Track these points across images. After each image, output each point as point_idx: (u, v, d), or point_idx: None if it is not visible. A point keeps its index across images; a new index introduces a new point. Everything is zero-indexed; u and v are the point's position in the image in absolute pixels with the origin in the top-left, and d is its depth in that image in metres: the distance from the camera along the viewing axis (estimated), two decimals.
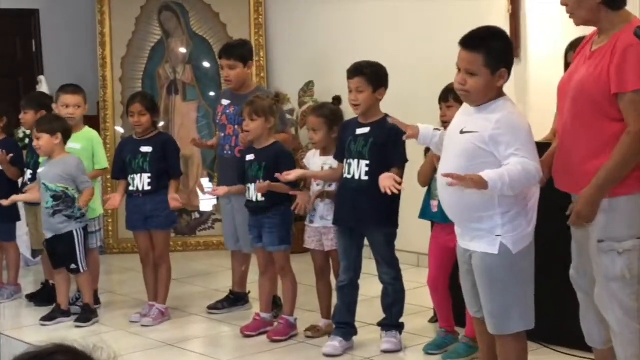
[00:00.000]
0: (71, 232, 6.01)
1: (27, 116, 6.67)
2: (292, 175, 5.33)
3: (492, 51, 3.89)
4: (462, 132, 3.96)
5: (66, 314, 6.19)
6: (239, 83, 6.08)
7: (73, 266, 6.07)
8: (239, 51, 6.10)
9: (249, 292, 6.35)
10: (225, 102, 6.15)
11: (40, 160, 6.39)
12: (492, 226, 3.94)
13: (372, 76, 5.14)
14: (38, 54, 8.88)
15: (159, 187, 6.09)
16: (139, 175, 6.08)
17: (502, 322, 4.05)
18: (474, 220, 3.98)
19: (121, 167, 6.19)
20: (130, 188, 6.12)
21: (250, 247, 5.85)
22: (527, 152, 3.85)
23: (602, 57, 3.75)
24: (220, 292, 6.43)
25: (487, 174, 3.76)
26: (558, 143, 3.99)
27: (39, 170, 6.11)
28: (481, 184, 3.75)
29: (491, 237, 3.94)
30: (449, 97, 4.97)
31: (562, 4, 3.87)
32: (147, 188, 6.06)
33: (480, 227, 3.96)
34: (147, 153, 6.08)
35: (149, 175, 6.06)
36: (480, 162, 3.86)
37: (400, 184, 4.94)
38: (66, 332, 5.93)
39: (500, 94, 3.97)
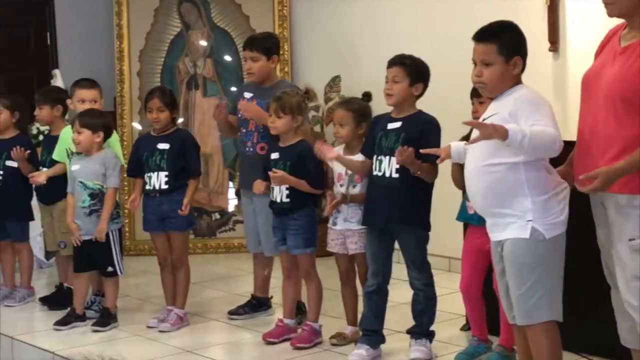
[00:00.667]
0: (107, 234, 5.90)
1: (43, 112, 6.55)
2: (331, 154, 5.22)
3: (504, 40, 4.04)
4: (484, 120, 4.02)
5: (81, 318, 6.08)
6: (261, 77, 5.92)
7: (110, 269, 5.97)
8: (263, 43, 5.94)
9: (272, 297, 6.21)
10: (247, 95, 5.97)
11: (56, 157, 6.23)
12: (522, 211, 3.97)
13: (412, 69, 4.99)
14: (52, 46, 8.80)
15: (176, 186, 5.94)
16: (155, 173, 5.93)
17: (531, 311, 4.02)
18: (503, 205, 4.00)
19: (137, 165, 6.05)
20: (147, 187, 5.98)
21: (274, 250, 5.72)
22: (548, 121, 3.92)
23: (638, 53, 3.78)
24: (242, 296, 6.31)
25: (508, 125, 3.84)
26: (580, 141, 4.02)
27: (73, 168, 5.99)
28: (501, 132, 3.80)
29: (522, 222, 3.98)
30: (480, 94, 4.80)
31: None
32: (164, 187, 5.92)
33: (511, 212, 3.99)
34: (164, 150, 5.93)
35: (166, 173, 5.91)
36: (504, 145, 3.88)
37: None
38: (81, 337, 5.86)
39: (517, 82, 4.08)
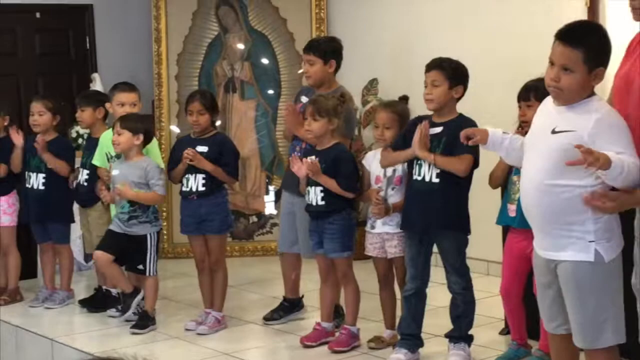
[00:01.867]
0: (145, 235, 5.94)
1: (85, 114, 6.59)
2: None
3: (593, 48, 3.71)
4: (554, 132, 3.76)
5: (153, 320, 6.09)
6: (318, 81, 5.86)
7: (140, 267, 5.97)
8: (322, 47, 5.89)
9: (303, 296, 6.20)
10: (304, 99, 5.92)
11: (96, 162, 6.26)
12: (583, 232, 3.77)
13: (451, 72, 4.94)
14: (92, 50, 8.80)
15: (213, 189, 5.93)
16: (193, 175, 5.92)
17: (595, 335, 3.85)
18: (563, 226, 3.79)
19: (176, 166, 6.02)
20: (184, 189, 5.97)
21: (310, 252, 5.68)
22: (632, 150, 3.69)
23: None
24: (279, 299, 6.28)
25: (611, 155, 3.57)
26: None
27: (113, 173, 6.00)
28: (604, 164, 3.54)
29: (584, 244, 3.77)
30: (530, 96, 4.76)
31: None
32: (201, 189, 5.90)
33: (570, 234, 3.78)
34: (202, 153, 5.91)
35: (204, 175, 5.90)
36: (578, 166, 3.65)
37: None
38: (120, 339, 5.88)
39: (592, 93, 3.78)
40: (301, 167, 5.39)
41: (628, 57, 3.94)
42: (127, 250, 5.99)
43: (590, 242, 3.75)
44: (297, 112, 5.79)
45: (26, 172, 6.66)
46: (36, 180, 6.62)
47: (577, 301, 3.83)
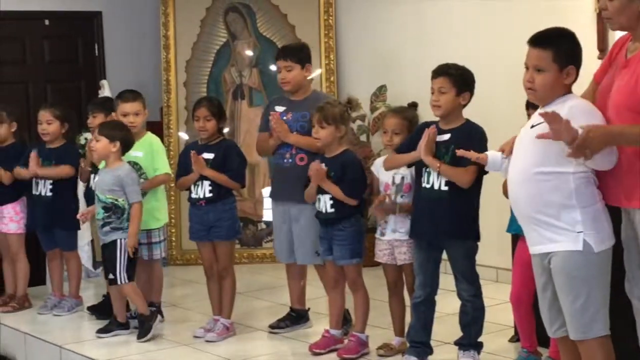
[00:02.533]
0: (115, 241, 5.88)
1: (97, 120, 6.54)
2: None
3: (561, 48, 3.95)
4: (532, 127, 3.98)
5: (124, 326, 6.09)
6: (296, 86, 5.87)
7: (111, 276, 5.93)
8: (296, 53, 5.92)
9: (309, 309, 6.17)
10: (280, 108, 5.93)
11: (101, 166, 6.27)
12: (571, 222, 3.88)
13: (457, 78, 4.92)
14: (100, 57, 8.81)
15: (220, 196, 5.91)
16: (200, 182, 5.91)
17: (588, 326, 3.94)
18: (550, 214, 3.91)
19: (185, 173, 6.01)
20: (193, 195, 5.95)
21: (308, 258, 5.73)
22: None
23: (637, 65, 3.85)
24: (287, 307, 6.25)
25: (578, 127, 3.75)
26: None
27: (96, 179, 6.01)
28: (573, 133, 3.70)
29: (573, 234, 3.89)
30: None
31: (601, 8, 4.01)
32: (208, 195, 5.89)
33: (559, 223, 3.90)
34: (208, 160, 5.91)
35: (210, 182, 5.89)
36: (553, 151, 3.86)
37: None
38: (128, 347, 5.87)
39: (567, 91, 3.99)
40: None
41: (610, 65, 4.07)
42: (104, 260, 6.00)
43: (579, 232, 3.86)
44: (282, 120, 5.79)
45: (33, 180, 6.66)
46: (44, 187, 6.62)
47: (569, 291, 3.92)
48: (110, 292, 6.16)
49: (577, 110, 3.87)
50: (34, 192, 6.65)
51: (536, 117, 4.01)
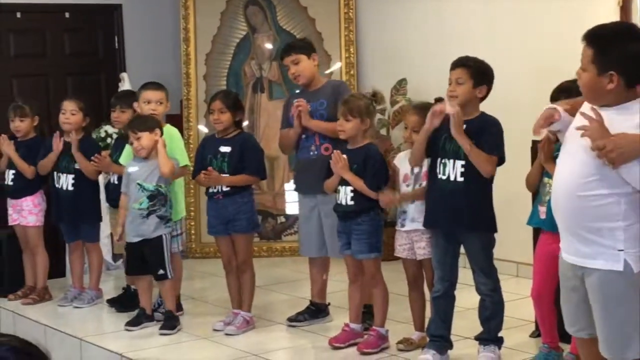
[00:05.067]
0: (160, 237, 5.91)
1: (126, 115, 6.58)
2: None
3: (605, 50, 3.61)
4: (576, 129, 3.67)
5: (150, 318, 6.11)
6: (309, 77, 5.90)
7: (161, 272, 5.94)
8: (299, 44, 6.00)
9: (329, 304, 6.14)
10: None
11: (123, 161, 6.28)
12: (612, 240, 3.64)
13: (475, 70, 4.90)
14: (120, 50, 8.83)
15: (238, 189, 5.91)
16: None
17: (623, 348, 3.77)
18: (592, 231, 3.67)
19: (203, 167, 6.00)
20: (210, 190, 5.94)
21: (339, 253, 5.63)
22: None
23: None
24: (307, 300, 6.24)
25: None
26: None
27: (130, 170, 5.99)
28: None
29: (613, 252, 3.64)
30: (562, 98, 4.66)
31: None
32: (225, 189, 5.88)
33: (599, 240, 3.66)
34: (225, 153, 5.91)
35: (227, 176, 5.88)
36: (607, 169, 3.58)
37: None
38: (149, 340, 5.87)
39: (629, 98, 3.63)
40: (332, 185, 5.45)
41: None
42: (146, 257, 5.97)
43: (619, 251, 3.64)
44: (306, 105, 5.80)
45: (55, 173, 6.68)
46: (65, 181, 6.64)
47: (605, 312, 3.74)
48: (139, 285, 6.15)
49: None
50: (55, 185, 6.67)
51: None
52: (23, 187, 6.79)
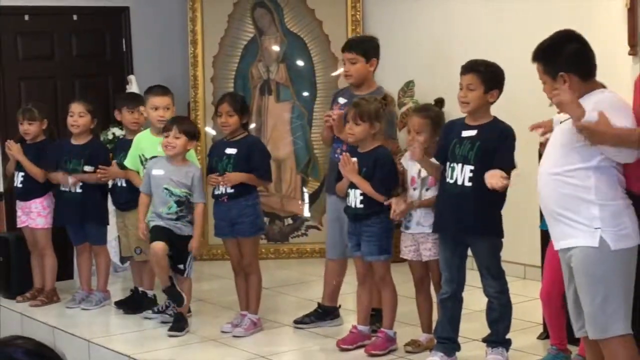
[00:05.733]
0: (190, 236, 5.95)
1: (135, 115, 6.57)
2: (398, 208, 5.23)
3: (549, 60, 4.07)
4: (561, 123, 4.07)
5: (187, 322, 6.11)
6: (359, 79, 5.83)
7: (181, 266, 5.96)
8: (362, 45, 5.89)
9: (340, 306, 6.13)
10: (342, 100, 5.90)
11: (128, 164, 6.31)
12: (589, 218, 3.89)
13: (486, 75, 4.87)
14: (128, 52, 8.83)
15: (243, 192, 5.89)
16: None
17: (606, 325, 3.92)
18: (569, 210, 3.94)
19: (210, 170, 6.03)
20: (216, 192, 5.94)
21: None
22: (631, 125, 3.90)
23: None
24: (314, 302, 6.24)
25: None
26: None
27: (154, 173, 5.98)
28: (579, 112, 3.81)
29: (590, 230, 3.89)
30: None
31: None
32: (230, 191, 5.86)
33: (577, 218, 3.93)
34: (231, 155, 5.90)
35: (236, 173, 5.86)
36: (578, 146, 3.91)
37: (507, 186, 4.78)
38: (156, 342, 5.88)
39: (592, 87, 4.02)
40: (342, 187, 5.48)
41: None
42: (172, 246, 5.96)
43: (596, 228, 3.88)
44: (341, 117, 5.73)
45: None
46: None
47: (586, 289, 3.92)
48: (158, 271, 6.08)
49: (602, 104, 3.88)
50: (62, 188, 6.67)
51: (561, 115, 4.10)
52: (32, 190, 6.80)
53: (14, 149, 6.76)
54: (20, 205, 6.89)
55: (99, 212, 6.70)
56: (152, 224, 5.98)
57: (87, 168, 6.61)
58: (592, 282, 3.90)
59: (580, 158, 3.90)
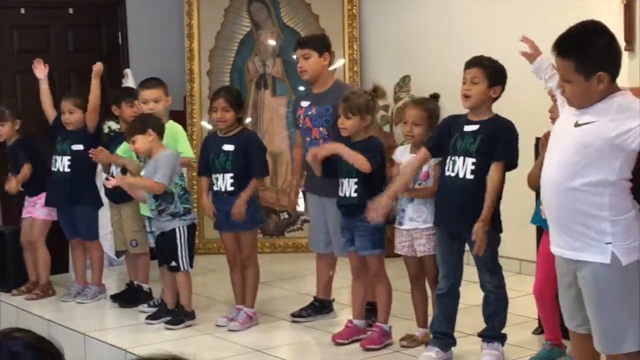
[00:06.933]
0: (174, 229, 5.88)
1: (134, 109, 6.54)
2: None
3: (583, 56, 3.67)
4: (577, 125, 3.74)
5: (171, 313, 6.10)
6: (315, 74, 5.87)
7: (173, 263, 5.94)
8: (313, 41, 5.98)
9: (334, 300, 6.14)
10: (304, 103, 5.95)
11: (119, 151, 6.35)
12: (600, 233, 3.73)
13: (491, 70, 4.90)
14: (124, 46, 8.81)
15: (241, 188, 5.88)
16: (221, 175, 5.91)
17: (616, 342, 3.82)
18: (580, 224, 3.76)
19: (206, 164, 6.02)
20: (215, 188, 5.95)
21: (342, 250, 5.61)
22: None
23: None
24: (309, 296, 6.26)
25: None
26: None
27: (142, 173, 5.97)
28: None
29: (601, 246, 3.73)
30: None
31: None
32: (229, 188, 5.87)
33: (587, 233, 3.76)
34: (229, 152, 5.89)
35: (232, 175, 5.87)
36: (596, 155, 3.67)
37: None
38: (152, 335, 5.90)
39: (611, 91, 3.72)
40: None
41: None
42: (161, 249, 5.99)
43: (607, 244, 3.71)
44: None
45: (53, 156, 6.68)
46: (61, 163, 6.63)
47: (596, 306, 3.79)
48: (165, 280, 6.14)
49: (624, 106, 3.69)
50: (52, 168, 6.66)
51: (580, 114, 3.77)
52: (36, 185, 6.80)
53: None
54: (28, 199, 6.89)
55: (88, 193, 6.67)
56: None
57: (75, 147, 6.57)
58: (604, 298, 3.77)
59: (597, 172, 3.69)
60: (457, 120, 5.01)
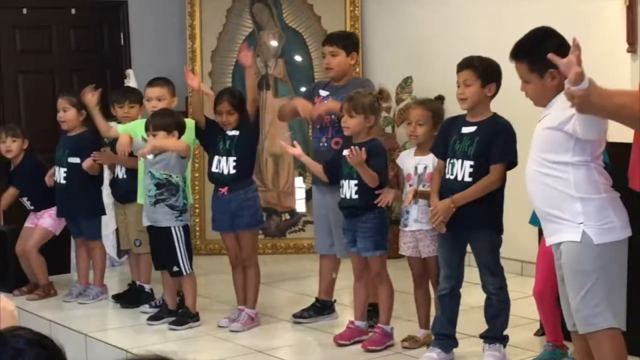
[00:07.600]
0: (169, 228, 5.85)
1: (134, 110, 6.59)
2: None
3: (535, 56, 4.01)
4: (539, 121, 4.10)
5: (173, 313, 6.10)
6: (340, 72, 5.90)
7: (175, 269, 5.93)
8: (343, 40, 5.98)
9: (335, 301, 6.15)
10: (323, 93, 5.97)
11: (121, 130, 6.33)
12: (573, 213, 3.91)
13: (482, 70, 4.89)
14: (126, 46, 8.81)
15: (242, 185, 5.89)
16: (224, 157, 5.88)
17: (589, 317, 3.92)
18: (554, 207, 3.96)
19: (212, 150, 6.01)
20: (213, 169, 5.92)
21: (344, 252, 5.62)
22: None
23: None
24: (311, 297, 6.26)
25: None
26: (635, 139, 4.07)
27: (149, 157, 5.92)
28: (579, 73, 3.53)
29: (574, 226, 3.92)
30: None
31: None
32: (232, 172, 5.84)
33: (561, 215, 3.94)
34: (234, 136, 5.90)
35: (235, 158, 5.86)
36: (552, 139, 3.94)
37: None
38: (154, 336, 5.89)
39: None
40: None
41: None
42: (159, 248, 5.97)
43: (579, 223, 3.89)
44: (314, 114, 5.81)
45: (57, 167, 6.69)
46: (59, 174, 6.64)
47: (571, 283, 3.95)
48: (164, 281, 6.14)
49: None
50: (55, 178, 6.68)
51: (544, 111, 4.08)
52: (47, 199, 6.81)
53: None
54: (34, 214, 6.91)
55: (87, 203, 6.64)
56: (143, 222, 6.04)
57: (70, 160, 6.58)
58: (575, 276, 3.92)
59: (558, 155, 3.91)
60: (456, 121, 5.02)
